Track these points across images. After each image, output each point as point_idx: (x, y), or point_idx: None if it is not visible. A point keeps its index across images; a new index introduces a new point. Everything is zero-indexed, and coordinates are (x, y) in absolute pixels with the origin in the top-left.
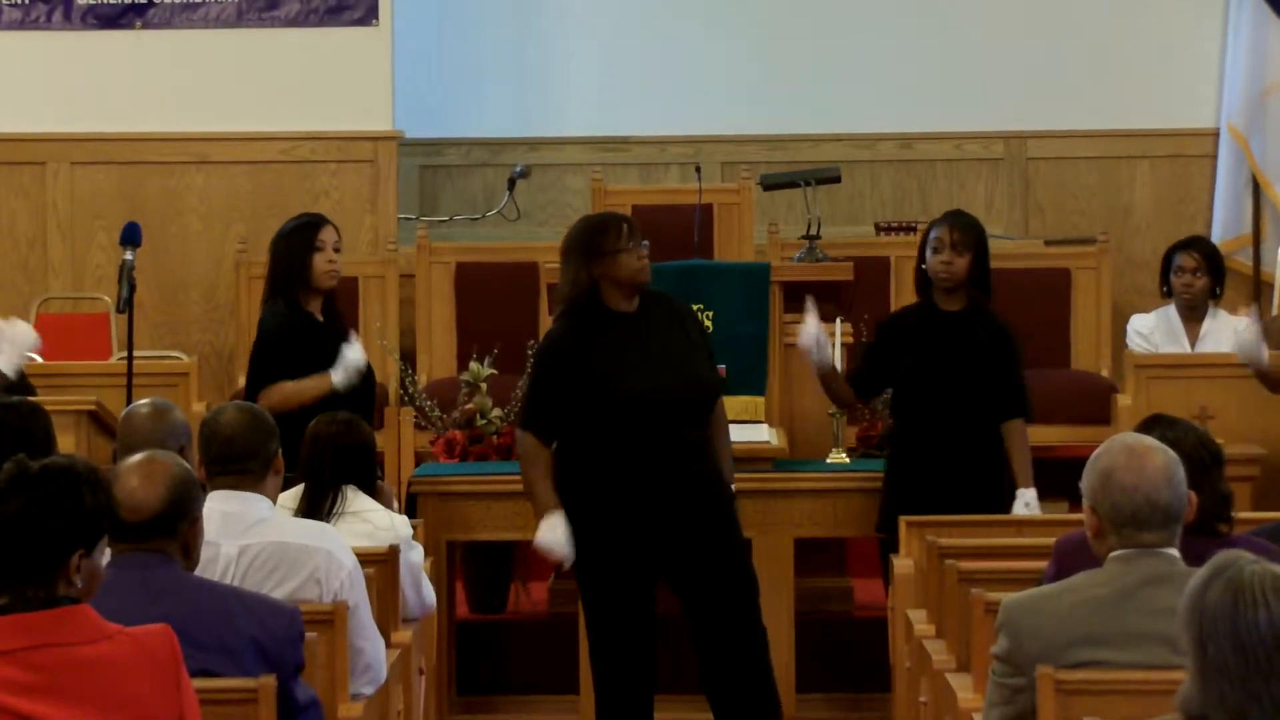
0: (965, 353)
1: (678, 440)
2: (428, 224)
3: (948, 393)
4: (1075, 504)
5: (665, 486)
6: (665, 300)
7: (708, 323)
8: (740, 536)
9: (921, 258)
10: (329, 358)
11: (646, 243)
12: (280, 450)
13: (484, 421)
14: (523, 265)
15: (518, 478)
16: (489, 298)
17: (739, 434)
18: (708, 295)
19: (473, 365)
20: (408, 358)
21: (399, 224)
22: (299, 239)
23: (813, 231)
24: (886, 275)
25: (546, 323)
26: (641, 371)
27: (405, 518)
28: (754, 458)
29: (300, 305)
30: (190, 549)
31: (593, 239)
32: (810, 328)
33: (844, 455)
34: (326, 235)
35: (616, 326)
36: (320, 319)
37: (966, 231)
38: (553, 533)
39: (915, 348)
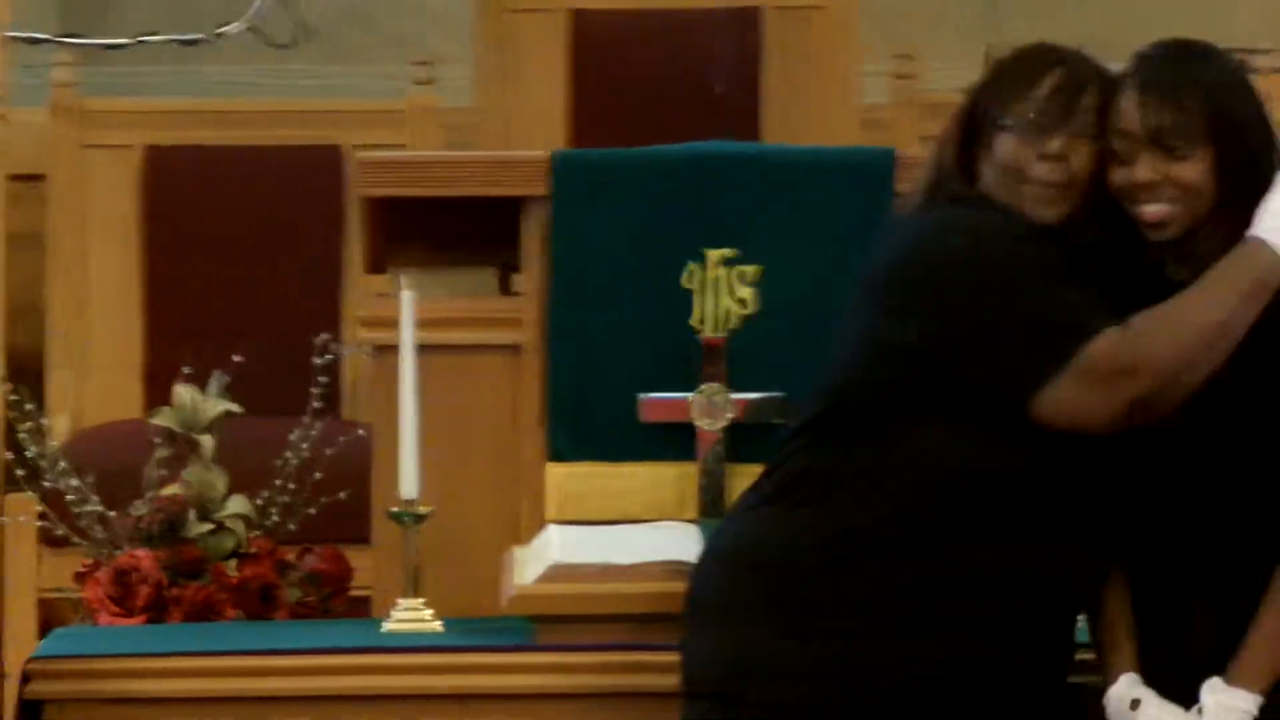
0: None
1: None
2: (79, 54)
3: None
4: None
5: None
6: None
7: (744, 290)
8: None
9: None
10: None
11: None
12: None
13: (207, 529)
14: (305, 153)
15: (304, 662)
16: (224, 231)
17: None
18: (750, 225)
19: (179, 391)
20: (23, 374)
21: (7, 52)
22: None
23: None
24: None
25: (359, 288)
26: None
27: None
28: None
29: None
30: None
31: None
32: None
33: None
34: None
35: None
36: None
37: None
38: None
39: None
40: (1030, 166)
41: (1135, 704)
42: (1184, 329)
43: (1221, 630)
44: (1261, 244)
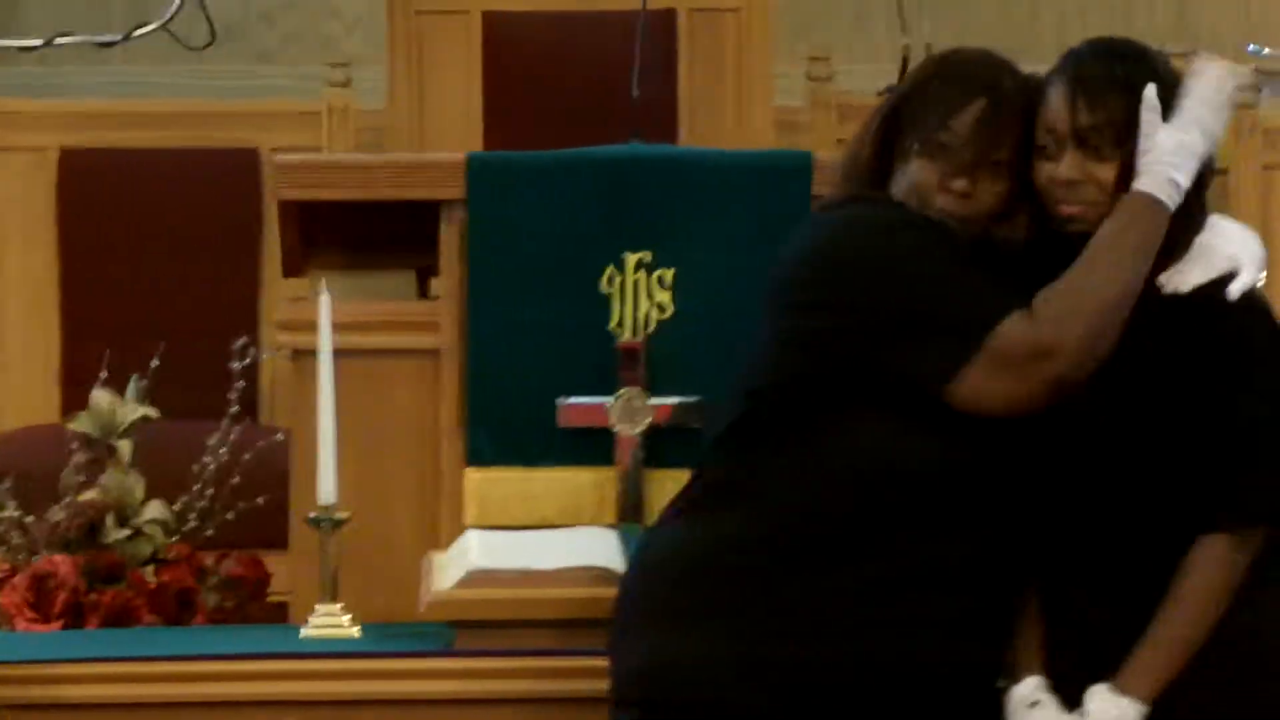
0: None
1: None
2: None
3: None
4: None
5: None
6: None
7: (662, 294)
8: None
9: None
10: None
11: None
12: None
13: (125, 534)
14: (221, 155)
15: (220, 668)
16: (141, 233)
17: None
18: (667, 228)
19: (96, 396)
20: None
21: None
22: None
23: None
24: None
25: (277, 291)
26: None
27: None
28: None
29: None
30: None
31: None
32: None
33: None
34: None
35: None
36: None
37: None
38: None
39: None
40: (936, 195)
41: (1034, 705)
42: (1090, 304)
43: (1124, 631)
44: (1138, 193)
